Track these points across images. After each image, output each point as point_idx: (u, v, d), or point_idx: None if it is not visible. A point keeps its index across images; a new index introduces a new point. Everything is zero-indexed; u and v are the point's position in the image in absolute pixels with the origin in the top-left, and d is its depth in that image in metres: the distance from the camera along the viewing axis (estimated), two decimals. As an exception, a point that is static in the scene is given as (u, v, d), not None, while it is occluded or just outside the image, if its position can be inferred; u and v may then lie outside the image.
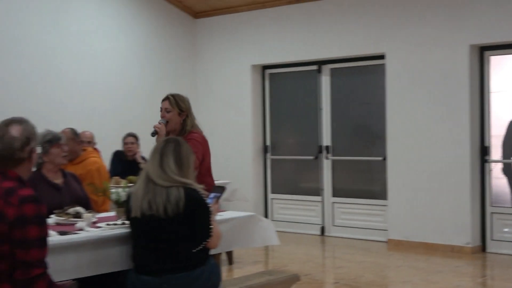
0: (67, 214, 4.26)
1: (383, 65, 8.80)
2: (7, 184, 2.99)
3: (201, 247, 3.76)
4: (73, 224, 4.07)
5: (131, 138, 7.88)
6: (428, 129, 8.35)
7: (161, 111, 5.24)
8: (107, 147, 7.88)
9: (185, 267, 3.71)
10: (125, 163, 7.77)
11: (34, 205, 2.93)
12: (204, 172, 5.12)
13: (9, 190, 2.95)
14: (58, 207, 4.53)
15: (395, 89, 8.63)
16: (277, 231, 9.50)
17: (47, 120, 7.39)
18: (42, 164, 4.79)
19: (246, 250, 8.13)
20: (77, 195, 4.78)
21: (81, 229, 3.95)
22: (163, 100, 5.24)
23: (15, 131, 3.08)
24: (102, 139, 7.85)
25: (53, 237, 3.64)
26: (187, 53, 10.49)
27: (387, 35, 8.68)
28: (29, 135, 3.11)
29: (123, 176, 7.38)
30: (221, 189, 4.22)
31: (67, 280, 3.48)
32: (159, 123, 5.06)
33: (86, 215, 4.13)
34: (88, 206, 4.78)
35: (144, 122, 9.40)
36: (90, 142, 7.27)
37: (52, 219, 4.25)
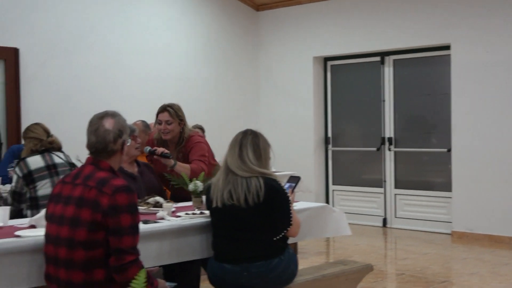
0: (147, 203, 4.40)
1: (448, 56, 8.73)
2: (101, 175, 3.14)
3: (281, 236, 3.84)
4: (154, 213, 4.20)
5: (197, 130, 7.99)
6: (494, 120, 8.26)
7: (160, 124, 5.28)
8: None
9: (265, 256, 3.80)
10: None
11: (126, 195, 3.07)
12: (211, 169, 5.23)
13: (102, 180, 3.10)
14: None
15: (460, 80, 8.56)
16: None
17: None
18: None
19: (309, 241, 8.21)
20: (151, 184, 4.92)
21: (162, 218, 4.07)
22: (161, 112, 5.28)
23: (108, 124, 3.22)
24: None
25: (143, 226, 3.77)
26: (249, 45, 10.60)
27: (453, 25, 8.60)
28: (121, 128, 3.25)
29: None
30: (296, 179, 4.29)
31: (153, 267, 3.60)
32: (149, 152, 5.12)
33: (166, 204, 4.26)
34: (162, 196, 4.92)
35: (208, 114, 9.59)
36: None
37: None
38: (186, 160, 5.16)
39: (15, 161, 5.73)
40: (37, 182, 5.01)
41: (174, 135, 5.24)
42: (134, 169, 4.98)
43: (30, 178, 4.99)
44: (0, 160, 6.86)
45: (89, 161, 3.25)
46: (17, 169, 5.11)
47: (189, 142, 5.22)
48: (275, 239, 3.83)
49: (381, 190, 9.63)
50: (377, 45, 9.40)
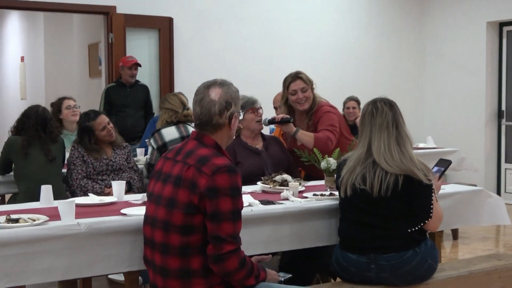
0: (274, 181, 4.03)
1: None
2: (202, 152, 2.80)
3: (417, 228, 3.32)
4: (278, 193, 3.83)
5: (353, 103, 7.50)
6: None
7: (294, 94, 4.78)
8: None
9: (397, 247, 3.29)
10: (344, 128, 7.42)
11: (228, 175, 2.70)
12: (345, 140, 4.76)
13: (203, 158, 2.75)
14: (260, 172, 4.38)
15: None
16: (511, 204, 8.82)
17: (267, 83, 7.31)
18: (240, 131, 4.62)
19: (474, 225, 7.47)
20: (278, 160, 4.55)
21: (286, 199, 3.69)
22: (293, 81, 4.79)
23: (214, 94, 2.87)
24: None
25: (255, 207, 3.43)
26: (414, 10, 9.79)
27: None
28: (229, 99, 2.88)
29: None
30: (446, 163, 3.71)
31: (267, 254, 3.24)
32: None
33: (293, 183, 3.86)
34: (293, 172, 4.55)
35: (366, 87, 9.03)
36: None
37: (258, 186, 4.06)
38: (315, 131, 4.71)
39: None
40: None
41: (310, 102, 4.81)
42: (259, 144, 4.63)
43: (164, 149, 4.84)
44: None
45: (193, 135, 2.92)
46: (152, 141, 4.98)
47: (318, 112, 4.76)
48: (409, 230, 3.31)
49: (562, 170, 8.58)
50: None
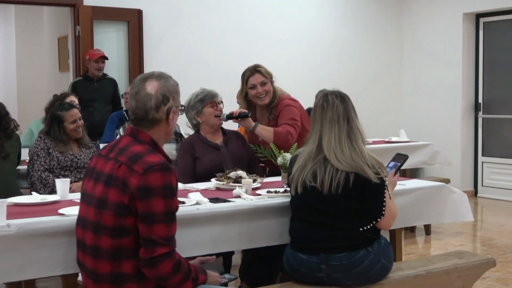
0: (228, 178, 3.88)
1: None
2: (136, 149, 2.64)
3: (369, 227, 3.18)
4: (231, 190, 3.68)
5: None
6: None
7: (253, 88, 4.62)
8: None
9: (349, 247, 3.15)
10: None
11: (161, 174, 2.54)
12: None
13: (135, 156, 2.60)
14: (219, 167, 4.23)
15: None
16: (488, 198, 8.72)
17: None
18: (199, 125, 4.48)
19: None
20: (238, 154, 4.40)
21: (238, 196, 3.54)
22: (251, 76, 4.62)
23: (151, 87, 2.71)
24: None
25: (201, 206, 3.28)
26: (392, 1, 9.66)
27: None
28: (167, 93, 2.73)
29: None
30: (403, 157, 3.56)
31: (211, 255, 3.09)
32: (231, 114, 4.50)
33: (246, 180, 3.71)
34: (254, 168, 4.40)
35: (341, 79, 8.88)
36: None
37: (212, 183, 3.92)
38: (276, 126, 4.57)
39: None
40: None
41: (270, 97, 4.66)
42: (219, 139, 4.48)
43: None
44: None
45: (127, 131, 2.76)
46: (121, 130, 4.84)
47: (278, 105, 4.62)
48: (361, 229, 3.17)
49: (539, 163, 8.47)
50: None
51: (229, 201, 3.42)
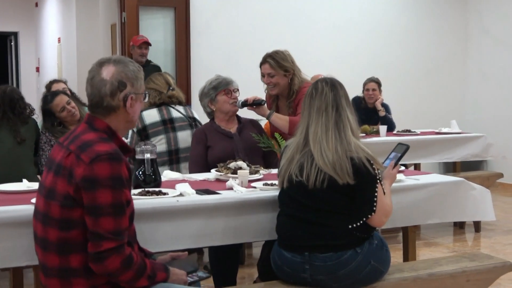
0: (228, 168, 3.70)
1: None
2: (88, 137, 2.49)
3: (359, 224, 2.93)
4: (224, 181, 3.50)
5: (373, 84, 7.04)
6: None
7: (262, 77, 4.44)
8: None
9: (335, 246, 2.91)
10: (363, 111, 6.99)
11: (109, 164, 2.39)
12: None
13: (85, 144, 2.45)
14: (231, 156, 4.06)
15: None
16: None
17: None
18: (213, 113, 4.32)
19: (505, 214, 6.90)
20: (251, 143, 4.21)
21: (230, 188, 3.36)
22: (262, 64, 4.43)
23: (106, 73, 2.56)
24: (352, 86, 7.20)
25: (181, 198, 3.11)
26: (455, -15, 9.17)
27: None
28: (124, 78, 2.57)
29: (360, 124, 6.72)
30: (403, 148, 3.28)
31: (183, 251, 2.92)
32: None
33: (242, 172, 3.51)
34: (270, 155, 4.25)
35: (399, 66, 8.51)
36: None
37: (212, 174, 3.75)
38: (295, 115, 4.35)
39: None
40: (151, 138, 4.60)
41: (282, 89, 4.44)
42: (233, 127, 4.31)
43: (144, 133, 4.61)
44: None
45: (85, 118, 2.62)
46: None
47: (298, 94, 4.39)
48: (350, 226, 2.92)
49: None
50: None
51: (217, 193, 3.24)
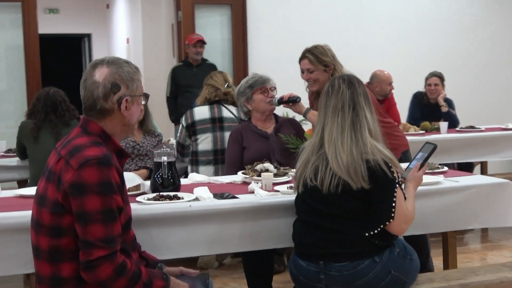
0: (255, 171, 3.56)
1: None
2: (79, 141, 2.40)
3: (377, 231, 2.72)
4: (247, 184, 3.36)
5: (435, 79, 6.70)
6: None
7: (302, 73, 4.21)
8: (407, 88, 6.91)
9: (351, 255, 2.72)
10: (425, 107, 6.70)
11: (97, 169, 2.29)
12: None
13: (75, 149, 2.36)
14: (267, 157, 3.94)
15: None
16: None
17: (356, 58, 6.60)
18: (250, 113, 4.19)
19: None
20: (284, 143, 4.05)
21: (252, 192, 3.21)
22: (301, 59, 4.20)
23: (99, 74, 2.46)
24: (414, 80, 6.97)
25: (194, 203, 2.99)
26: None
27: None
28: (118, 80, 2.46)
29: (421, 121, 6.43)
30: (430, 147, 3.04)
31: (196, 259, 2.80)
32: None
33: (265, 174, 3.35)
34: None
35: (455, 60, 8.10)
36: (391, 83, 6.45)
37: (239, 177, 3.61)
38: None
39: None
40: (198, 135, 4.57)
41: (323, 85, 4.22)
42: (270, 127, 4.16)
43: (193, 129, 4.60)
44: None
45: (80, 122, 2.54)
46: (183, 118, 4.70)
47: None
48: (367, 234, 2.72)
49: None
50: None
51: (235, 197, 3.10)
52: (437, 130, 6.17)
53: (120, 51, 11.85)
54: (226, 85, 4.79)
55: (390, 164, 2.71)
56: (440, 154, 5.76)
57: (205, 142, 4.55)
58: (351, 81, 2.86)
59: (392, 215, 2.70)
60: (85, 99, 2.48)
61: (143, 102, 2.59)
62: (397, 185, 2.72)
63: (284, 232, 3.04)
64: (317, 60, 4.11)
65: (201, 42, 7.00)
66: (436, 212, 3.28)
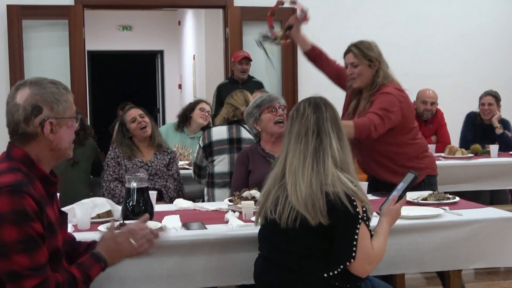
0: (241, 197, 3.34)
1: None
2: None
3: (337, 272, 2.44)
4: (224, 213, 3.15)
5: (489, 98, 6.24)
6: None
7: (346, 67, 3.95)
8: (456, 108, 6.52)
9: (312, 299, 2.45)
10: (478, 128, 6.26)
11: (9, 197, 2.12)
12: (405, 138, 3.88)
13: None
14: None
15: None
16: None
17: (411, 76, 6.27)
18: (260, 135, 3.98)
19: None
20: None
21: (227, 221, 2.99)
22: (346, 53, 3.99)
23: (20, 97, 2.29)
24: (450, 100, 6.61)
25: (164, 233, 2.78)
26: None
27: None
28: (39, 102, 2.28)
29: (474, 143, 6.00)
30: (412, 177, 2.71)
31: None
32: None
33: (246, 202, 3.12)
34: None
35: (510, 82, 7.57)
36: (433, 103, 6.07)
37: (224, 204, 3.40)
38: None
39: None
40: (215, 156, 4.39)
41: (366, 81, 3.93)
42: (279, 150, 3.91)
43: (209, 149, 4.42)
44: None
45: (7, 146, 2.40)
46: (201, 138, 4.54)
47: (377, 92, 3.86)
48: (326, 275, 2.44)
49: None
50: None
51: (205, 227, 2.89)
52: (488, 154, 5.72)
53: (188, 67, 11.87)
54: (245, 105, 4.59)
55: (353, 198, 2.42)
56: (488, 180, 5.36)
57: (221, 164, 4.36)
58: (317, 104, 2.60)
59: (353, 254, 2.41)
60: (7, 123, 2.33)
61: (77, 124, 2.43)
62: (361, 221, 2.43)
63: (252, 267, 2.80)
64: (361, 54, 3.88)
65: (247, 59, 6.85)
66: (434, 249, 2.98)
